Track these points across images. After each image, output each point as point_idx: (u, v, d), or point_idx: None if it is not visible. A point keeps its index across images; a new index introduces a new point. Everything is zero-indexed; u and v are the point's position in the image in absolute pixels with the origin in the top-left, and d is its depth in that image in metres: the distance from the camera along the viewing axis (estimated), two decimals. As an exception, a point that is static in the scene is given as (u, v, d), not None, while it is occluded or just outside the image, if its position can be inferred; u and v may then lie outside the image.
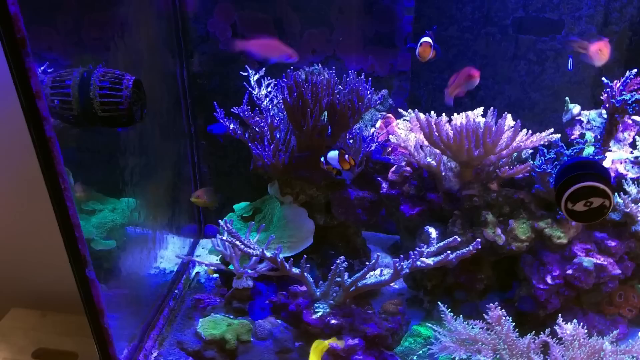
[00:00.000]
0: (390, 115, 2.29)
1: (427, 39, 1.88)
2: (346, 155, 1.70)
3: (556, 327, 1.68)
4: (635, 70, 1.74)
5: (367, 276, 1.88)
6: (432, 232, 1.81)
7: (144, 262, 2.13)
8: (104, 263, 1.87)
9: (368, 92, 2.01)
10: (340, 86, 2.02)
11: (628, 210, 1.83)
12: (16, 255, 2.04)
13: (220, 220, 1.99)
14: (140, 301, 2.09)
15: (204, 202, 2.45)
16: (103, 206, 2.04)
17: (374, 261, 1.81)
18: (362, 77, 2.01)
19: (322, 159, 1.80)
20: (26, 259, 2.04)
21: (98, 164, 1.91)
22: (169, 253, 2.35)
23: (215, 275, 2.38)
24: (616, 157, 1.89)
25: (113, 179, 1.87)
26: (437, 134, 1.87)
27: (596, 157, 1.83)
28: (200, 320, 2.05)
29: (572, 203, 1.54)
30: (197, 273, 2.45)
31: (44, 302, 2.09)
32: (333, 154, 1.73)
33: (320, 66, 2.31)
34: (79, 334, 1.96)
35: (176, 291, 2.27)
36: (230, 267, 2.16)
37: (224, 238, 1.94)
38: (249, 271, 2.09)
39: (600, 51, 1.89)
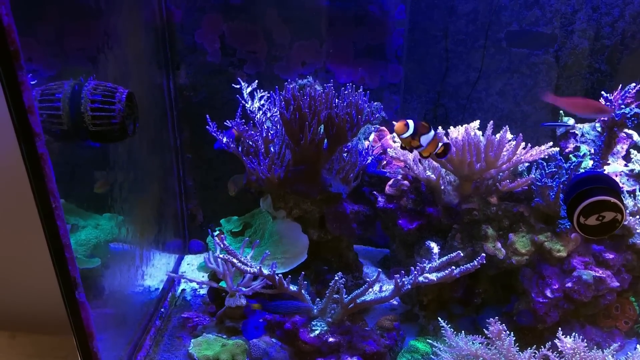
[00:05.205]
0: (383, 128, 2.26)
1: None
2: None
3: (556, 341, 1.67)
4: (634, 84, 1.75)
5: (367, 293, 1.84)
6: (434, 247, 1.77)
7: (131, 280, 2.05)
8: (88, 282, 1.79)
9: (366, 106, 1.97)
10: (337, 99, 1.98)
11: (625, 222, 1.84)
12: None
13: (214, 235, 1.93)
14: (127, 321, 2.01)
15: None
16: (86, 222, 1.95)
17: (374, 277, 1.77)
18: (361, 90, 1.98)
19: None
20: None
21: (84, 178, 1.84)
22: (155, 270, 2.27)
23: (203, 292, 2.31)
24: (611, 170, 1.90)
25: (100, 194, 1.80)
26: (439, 148, 1.84)
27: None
28: (192, 340, 1.98)
29: (584, 217, 1.53)
30: (183, 290, 2.38)
31: (13, 322, 1.97)
32: None
33: (311, 79, 2.28)
34: (52, 355, 1.86)
35: (162, 310, 2.19)
36: (222, 284, 2.10)
37: (219, 255, 1.88)
38: (243, 289, 2.02)
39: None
